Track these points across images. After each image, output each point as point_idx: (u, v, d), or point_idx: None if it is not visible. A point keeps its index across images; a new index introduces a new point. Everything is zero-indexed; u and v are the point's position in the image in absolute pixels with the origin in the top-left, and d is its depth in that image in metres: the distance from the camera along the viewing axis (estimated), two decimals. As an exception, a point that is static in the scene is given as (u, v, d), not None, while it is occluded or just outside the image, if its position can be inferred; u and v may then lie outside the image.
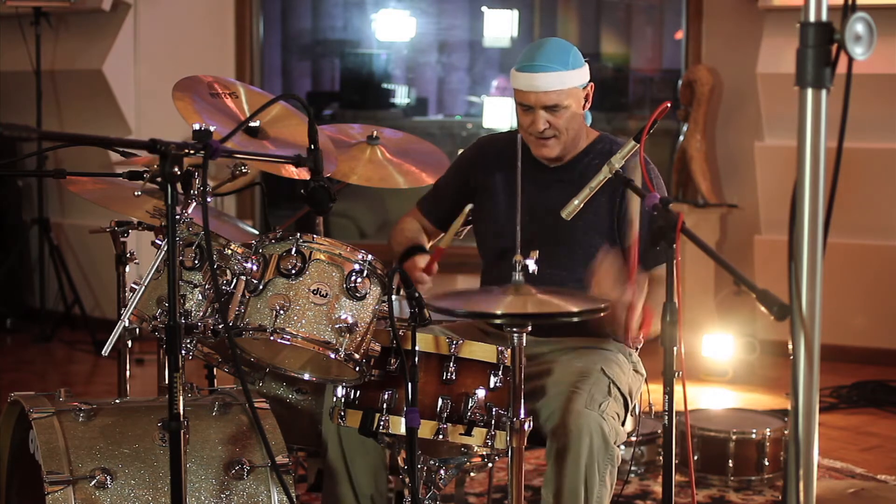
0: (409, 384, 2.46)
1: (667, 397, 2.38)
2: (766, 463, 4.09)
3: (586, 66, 2.99)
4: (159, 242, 2.40)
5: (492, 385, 2.60)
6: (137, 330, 2.56)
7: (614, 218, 2.98)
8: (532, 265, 2.54)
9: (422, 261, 2.97)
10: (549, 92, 2.91)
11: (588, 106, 3.02)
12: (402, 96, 9.11)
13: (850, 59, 1.61)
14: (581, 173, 2.97)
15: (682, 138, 6.28)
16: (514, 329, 2.48)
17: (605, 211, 2.97)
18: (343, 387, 2.63)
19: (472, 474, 3.77)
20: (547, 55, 2.93)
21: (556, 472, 2.71)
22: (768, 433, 4.09)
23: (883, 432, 4.89)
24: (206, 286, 2.50)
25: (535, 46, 2.97)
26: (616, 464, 2.74)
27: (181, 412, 2.16)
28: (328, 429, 2.87)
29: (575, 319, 2.45)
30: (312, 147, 2.50)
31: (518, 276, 2.54)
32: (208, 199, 2.29)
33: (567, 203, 2.70)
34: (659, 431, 4.10)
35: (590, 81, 3.00)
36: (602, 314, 2.43)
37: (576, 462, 2.68)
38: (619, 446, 2.78)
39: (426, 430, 2.55)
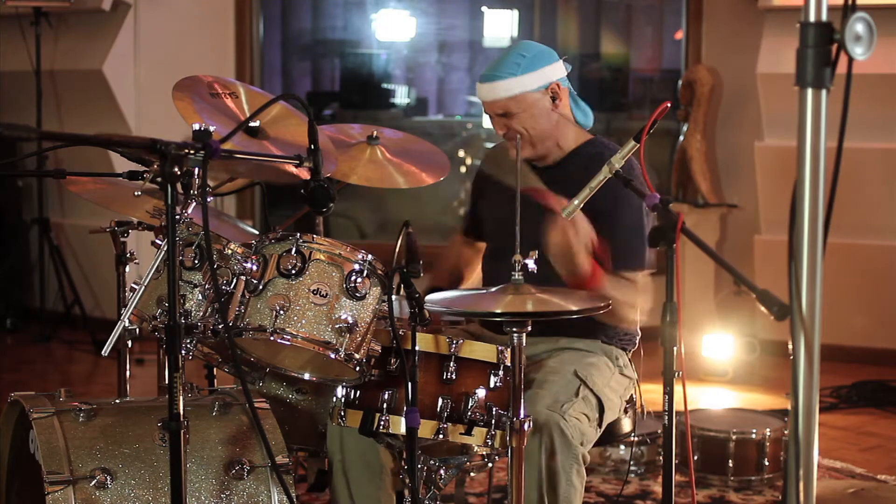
0: (409, 384, 2.46)
1: (667, 397, 2.38)
2: (766, 463, 4.09)
3: (551, 67, 2.99)
4: (159, 242, 2.39)
5: (492, 385, 2.60)
6: (137, 330, 2.56)
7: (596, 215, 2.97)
8: (531, 265, 2.55)
9: None
10: (495, 101, 2.98)
11: (560, 104, 3.02)
12: (402, 96, 9.11)
13: (850, 59, 1.61)
14: (569, 176, 2.96)
15: (682, 138, 6.28)
16: (514, 329, 2.48)
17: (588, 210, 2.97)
18: (343, 387, 2.63)
19: (472, 474, 3.77)
20: (499, 64, 2.99)
21: (525, 469, 2.71)
22: (768, 433, 4.09)
23: (883, 432, 4.90)
24: (206, 286, 2.50)
25: (498, 55, 3.03)
26: (583, 463, 2.75)
27: (181, 412, 2.16)
28: (332, 440, 2.85)
29: (574, 316, 2.48)
30: (312, 147, 2.50)
31: (517, 276, 2.55)
32: (208, 199, 2.29)
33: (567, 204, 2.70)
34: (659, 431, 4.10)
35: (555, 81, 2.99)
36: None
37: (536, 460, 2.69)
38: (611, 448, 2.78)
39: (426, 429, 2.55)
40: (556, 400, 2.76)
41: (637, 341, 3.11)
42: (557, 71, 3.01)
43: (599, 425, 2.88)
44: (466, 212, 3.43)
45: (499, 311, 2.48)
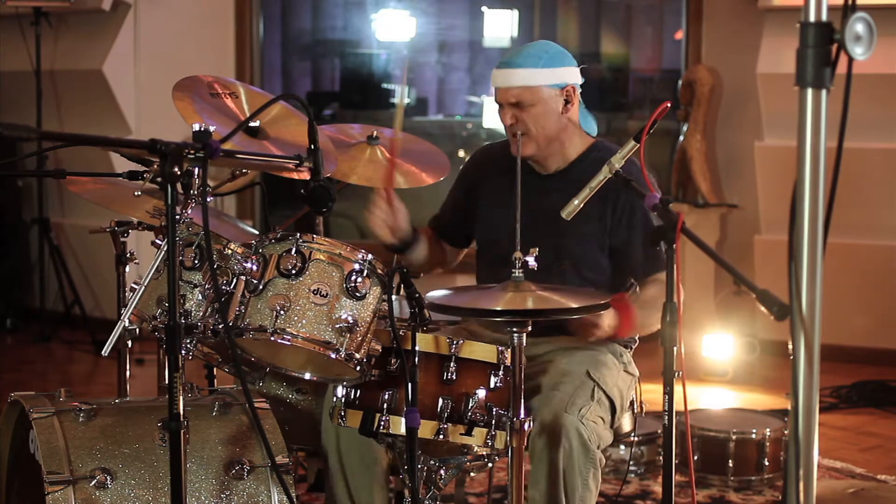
0: (409, 384, 2.46)
1: (667, 397, 2.38)
2: (766, 463, 4.09)
3: (569, 69, 2.99)
4: (159, 242, 2.39)
5: (492, 385, 2.60)
6: (137, 330, 2.56)
7: (607, 227, 2.97)
8: (532, 261, 2.54)
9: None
10: (511, 88, 2.94)
11: (571, 109, 3.01)
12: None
13: (850, 59, 1.61)
14: (576, 182, 2.95)
15: (682, 138, 6.28)
16: (514, 329, 2.48)
17: (598, 220, 2.97)
18: (343, 387, 2.63)
19: (472, 474, 3.77)
20: (521, 54, 2.97)
21: (537, 473, 2.72)
22: (768, 433, 4.09)
23: (883, 432, 4.90)
24: (206, 286, 2.50)
25: (518, 46, 3.02)
26: (599, 466, 2.75)
27: (181, 412, 2.16)
28: (328, 434, 2.86)
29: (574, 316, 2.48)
30: (312, 147, 2.50)
31: (518, 273, 2.55)
32: (208, 199, 2.29)
33: (566, 204, 2.69)
34: (659, 431, 4.10)
35: (571, 84, 2.98)
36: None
37: (554, 465, 2.69)
38: (611, 448, 2.78)
39: (426, 430, 2.55)
40: (573, 403, 2.75)
41: (638, 339, 3.11)
42: (574, 75, 3.01)
43: (610, 426, 2.88)
44: (443, 210, 3.33)
45: (499, 308, 2.49)
